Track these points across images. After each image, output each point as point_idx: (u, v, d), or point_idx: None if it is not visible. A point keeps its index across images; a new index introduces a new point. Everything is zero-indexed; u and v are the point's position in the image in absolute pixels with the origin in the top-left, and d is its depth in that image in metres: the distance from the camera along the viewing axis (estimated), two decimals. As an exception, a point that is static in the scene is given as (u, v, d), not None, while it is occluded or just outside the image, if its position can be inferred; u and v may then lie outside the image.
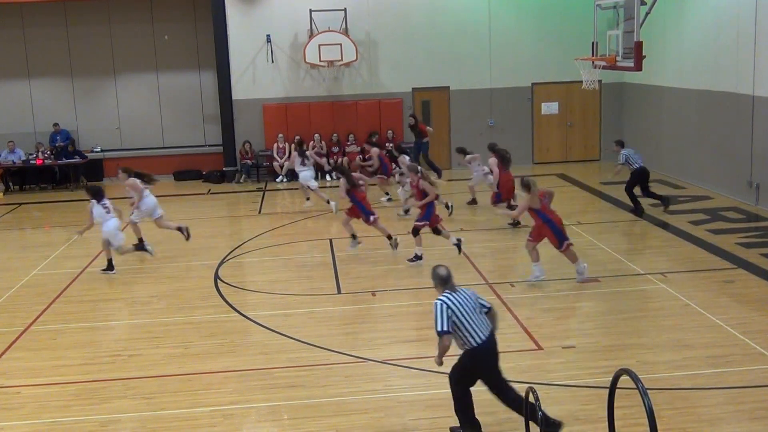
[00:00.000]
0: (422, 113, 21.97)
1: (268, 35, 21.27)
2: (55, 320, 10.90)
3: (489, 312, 7.21)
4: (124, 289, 12.30)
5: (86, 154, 21.73)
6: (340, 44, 20.62)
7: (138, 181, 13.58)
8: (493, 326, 7.16)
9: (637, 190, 15.89)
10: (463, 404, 7.13)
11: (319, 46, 20.56)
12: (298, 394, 8.25)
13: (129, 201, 13.94)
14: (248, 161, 21.40)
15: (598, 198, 17.88)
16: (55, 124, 21.74)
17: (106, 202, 12.80)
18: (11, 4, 21.27)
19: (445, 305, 6.88)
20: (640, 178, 15.81)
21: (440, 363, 7.16)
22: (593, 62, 16.67)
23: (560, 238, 11.43)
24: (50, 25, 21.91)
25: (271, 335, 10.01)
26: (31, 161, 21.16)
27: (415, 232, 12.92)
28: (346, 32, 20.90)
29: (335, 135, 21.58)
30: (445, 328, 6.83)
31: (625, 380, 6.12)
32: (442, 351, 6.97)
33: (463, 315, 6.89)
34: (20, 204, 19.64)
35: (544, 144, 22.46)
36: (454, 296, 6.97)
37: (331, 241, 14.51)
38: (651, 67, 17.75)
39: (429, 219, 12.91)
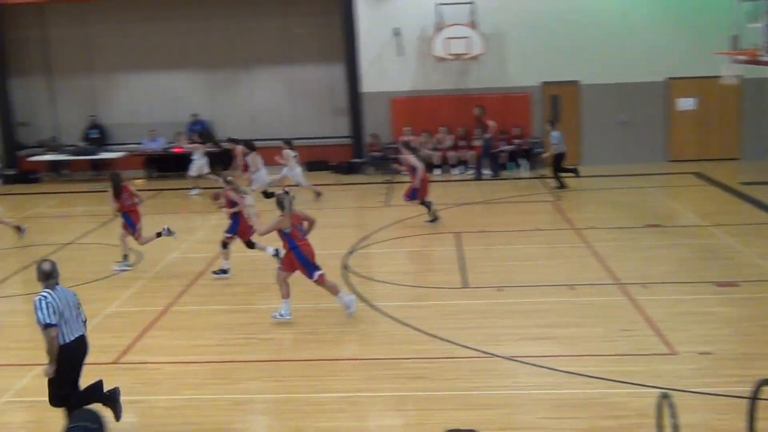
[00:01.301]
0: (552, 108, 21.58)
1: (397, 28, 21.42)
2: (193, 302, 11.41)
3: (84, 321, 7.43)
4: (253, 275, 12.68)
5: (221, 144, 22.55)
6: (468, 37, 20.53)
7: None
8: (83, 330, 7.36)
9: None
10: (77, 401, 7.14)
11: (447, 39, 20.56)
12: (424, 386, 8.31)
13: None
14: (375, 153, 21.65)
15: (737, 199, 17.07)
16: (194, 115, 22.70)
17: None
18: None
19: (45, 300, 6.96)
20: (558, 159, 18.42)
21: (51, 373, 7.07)
22: (733, 57, 15.93)
23: (310, 269, 10.29)
24: (192, 19, 22.82)
25: (398, 326, 10.11)
26: (171, 149, 22.19)
27: (224, 245, 12.48)
28: (473, 25, 20.79)
29: (462, 129, 21.53)
30: (50, 321, 6.92)
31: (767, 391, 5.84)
32: (52, 347, 6.96)
33: (62, 311, 7.01)
34: (160, 190, 20.62)
35: (679, 141, 21.62)
36: (53, 293, 7.04)
37: (458, 234, 14.50)
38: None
39: (236, 231, 12.44)
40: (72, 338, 7.15)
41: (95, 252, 14.56)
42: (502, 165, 21.12)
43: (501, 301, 10.95)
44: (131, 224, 13.19)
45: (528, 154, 21.26)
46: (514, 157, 21.10)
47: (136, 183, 21.36)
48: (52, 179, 22.69)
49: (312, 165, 22.59)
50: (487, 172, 20.43)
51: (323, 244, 14.31)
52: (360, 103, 21.99)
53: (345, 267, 12.87)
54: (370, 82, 21.88)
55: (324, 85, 23.09)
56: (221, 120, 23.22)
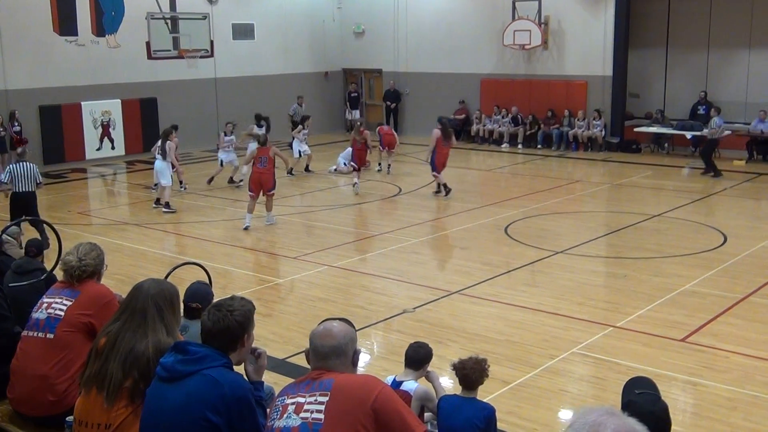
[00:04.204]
0: None
1: None
2: (774, 296, 10.56)
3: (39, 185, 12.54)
4: None
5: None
6: None
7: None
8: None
9: None
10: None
11: None
12: None
13: None
14: None
15: None
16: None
17: None
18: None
19: (8, 169, 12.40)
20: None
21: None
22: None
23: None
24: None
25: None
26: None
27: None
28: None
29: None
30: (1, 179, 12.36)
31: None
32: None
33: (16, 176, 12.16)
34: (760, 174, 19.43)
35: None
36: (16, 166, 12.25)
37: None
38: None
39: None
40: (21, 191, 12.17)
41: (680, 228, 14.47)
42: None
43: None
44: None
45: None
46: None
47: (735, 164, 20.55)
48: (651, 151, 23.11)
49: None
50: None
51: None
52: None
53: None
54: None
55: None
56: None
